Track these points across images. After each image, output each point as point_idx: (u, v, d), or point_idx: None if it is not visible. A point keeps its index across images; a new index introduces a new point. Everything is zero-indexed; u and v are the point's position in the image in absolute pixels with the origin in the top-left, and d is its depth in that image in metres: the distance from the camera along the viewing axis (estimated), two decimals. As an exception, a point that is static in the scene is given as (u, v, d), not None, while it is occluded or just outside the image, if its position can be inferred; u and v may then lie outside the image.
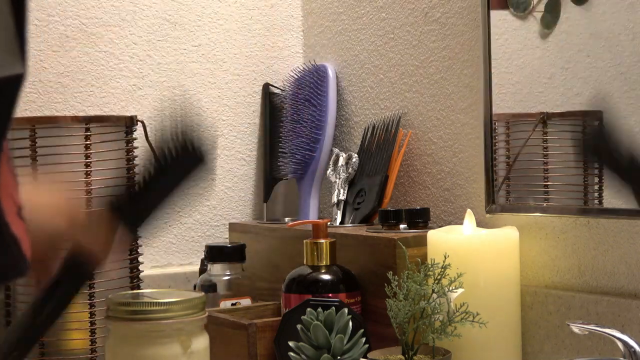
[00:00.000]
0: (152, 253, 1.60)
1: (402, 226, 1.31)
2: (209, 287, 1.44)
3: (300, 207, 1.62)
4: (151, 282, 1.54)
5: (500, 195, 1.27)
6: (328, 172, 1.54)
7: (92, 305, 1.31)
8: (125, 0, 1.60)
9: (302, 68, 1.67)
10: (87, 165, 1.32)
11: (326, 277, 1.27)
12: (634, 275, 1.11)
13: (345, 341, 1.13)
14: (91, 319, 1.31)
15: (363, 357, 1.13)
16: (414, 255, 1.19)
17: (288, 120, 1.64)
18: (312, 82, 1.61)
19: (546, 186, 1.23)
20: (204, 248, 1.50)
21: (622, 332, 0.99)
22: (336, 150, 1.55)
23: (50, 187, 1.04)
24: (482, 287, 1.16)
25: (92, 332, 1.31)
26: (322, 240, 1.29)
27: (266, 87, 1.69)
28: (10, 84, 0.70)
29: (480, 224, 1.25)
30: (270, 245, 1.52)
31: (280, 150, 1.65)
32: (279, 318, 1.26)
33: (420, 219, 1.31)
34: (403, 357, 1.10)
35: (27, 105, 1.52)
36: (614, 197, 1.14)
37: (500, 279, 1.18)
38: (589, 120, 1.19)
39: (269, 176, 1.66)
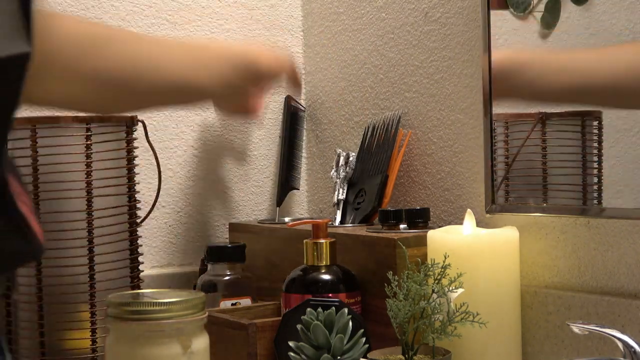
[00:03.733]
0: (152, 253, 1.59)
1: (402, 226, 1.31)
2: (209, 287, 1.44)
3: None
4: (151, 282, 1.54)
5: (500, 195, 1.27)
6: (332, 172, 1.54)
7: (92, 305, 1.31)
8: (125, 0, 1.60)
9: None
10: (87, 165, 1.32)
11: (326, 277, 1.27)
12: (634, 275, 1.11)
13: (345, 341, 1.13)
14: (91, 319, 1.31)
15: (363, 357, 1.13)
16: (414, 255, 1.19)
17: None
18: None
19: (545, 186, 1.23)
20: (204, 248, 1.50)
21: (622, 332, 0.99)
22: (339, 150, 1.55)
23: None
24: (482, 287, 1.16)
25: (92, 332, 1.31)
26: (322, 240, 1.29)
27: (288, 100, 1.68)
28: (13, 63, 0.66)
29: (480, 224, 1.25)
30: (270, 245, 1.52)
31: (296, 162, 1.66)
32: (279, 318, 1.26)
33: (420, 219, 1.31)
34: (403, 357, 1.10)
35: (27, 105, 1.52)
36: (613, 197, 1.14)
37: (500, 279, 1.18)
38: (589, 120, 1.19)
39: (285, 184, 1.66)
